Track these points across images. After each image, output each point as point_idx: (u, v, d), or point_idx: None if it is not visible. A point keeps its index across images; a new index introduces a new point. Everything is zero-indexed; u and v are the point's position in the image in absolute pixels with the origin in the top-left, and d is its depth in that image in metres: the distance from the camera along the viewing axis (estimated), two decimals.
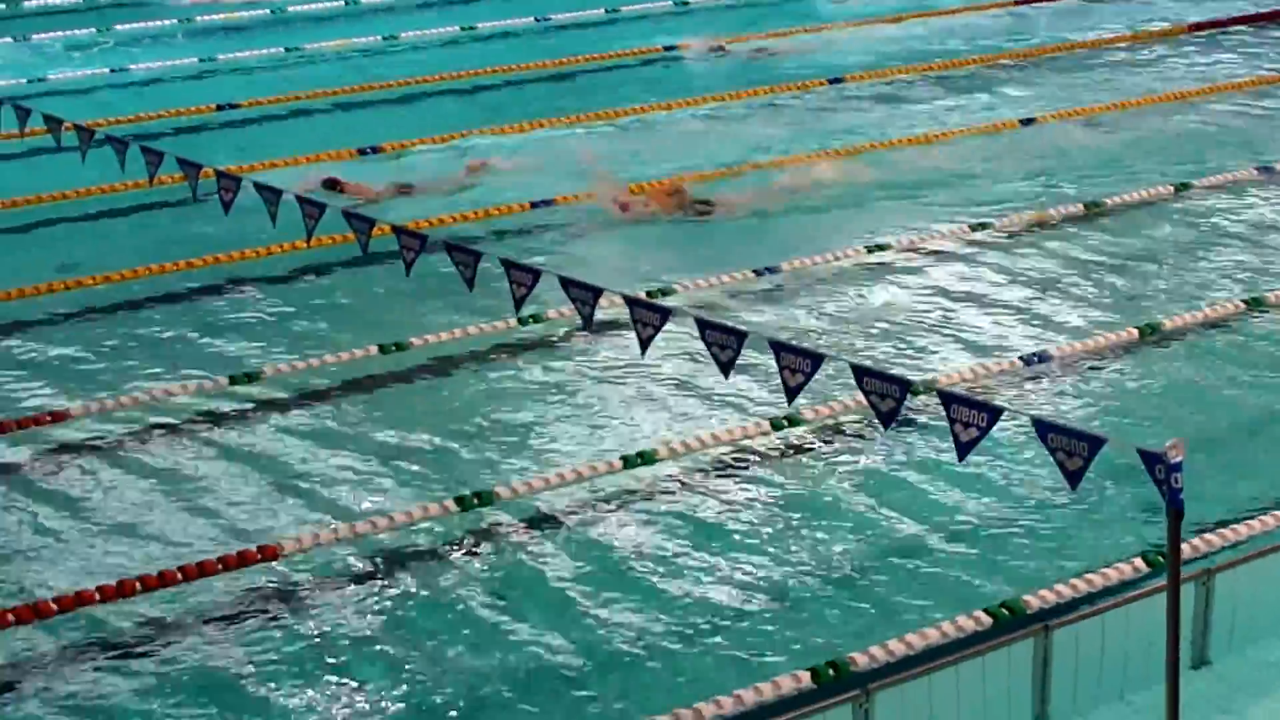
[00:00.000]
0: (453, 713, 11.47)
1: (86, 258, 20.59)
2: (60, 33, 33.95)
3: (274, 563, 13.27)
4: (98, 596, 12.74)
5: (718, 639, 12.21)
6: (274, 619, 12.66)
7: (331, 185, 22.44)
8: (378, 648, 12.22)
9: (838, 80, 28.97)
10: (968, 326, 17.86)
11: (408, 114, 27.92)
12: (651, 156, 24.51)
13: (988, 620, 11.87)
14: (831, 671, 11.32)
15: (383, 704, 11.58)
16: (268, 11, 36.05)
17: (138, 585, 12.83)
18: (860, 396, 10.76)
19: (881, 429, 11.65)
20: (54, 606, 12.59)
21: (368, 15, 35.89)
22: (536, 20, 34.62)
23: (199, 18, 35.23)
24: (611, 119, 26.97)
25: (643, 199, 22.19)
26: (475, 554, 13.54)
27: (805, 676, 11.28)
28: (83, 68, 31.53)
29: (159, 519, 14.27)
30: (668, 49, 32.00)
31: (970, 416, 9.67)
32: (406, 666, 11.99)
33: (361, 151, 24.91)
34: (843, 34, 32.80)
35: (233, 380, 16.63)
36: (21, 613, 12.50)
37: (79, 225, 22.36)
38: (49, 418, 15.86)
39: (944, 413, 9.82)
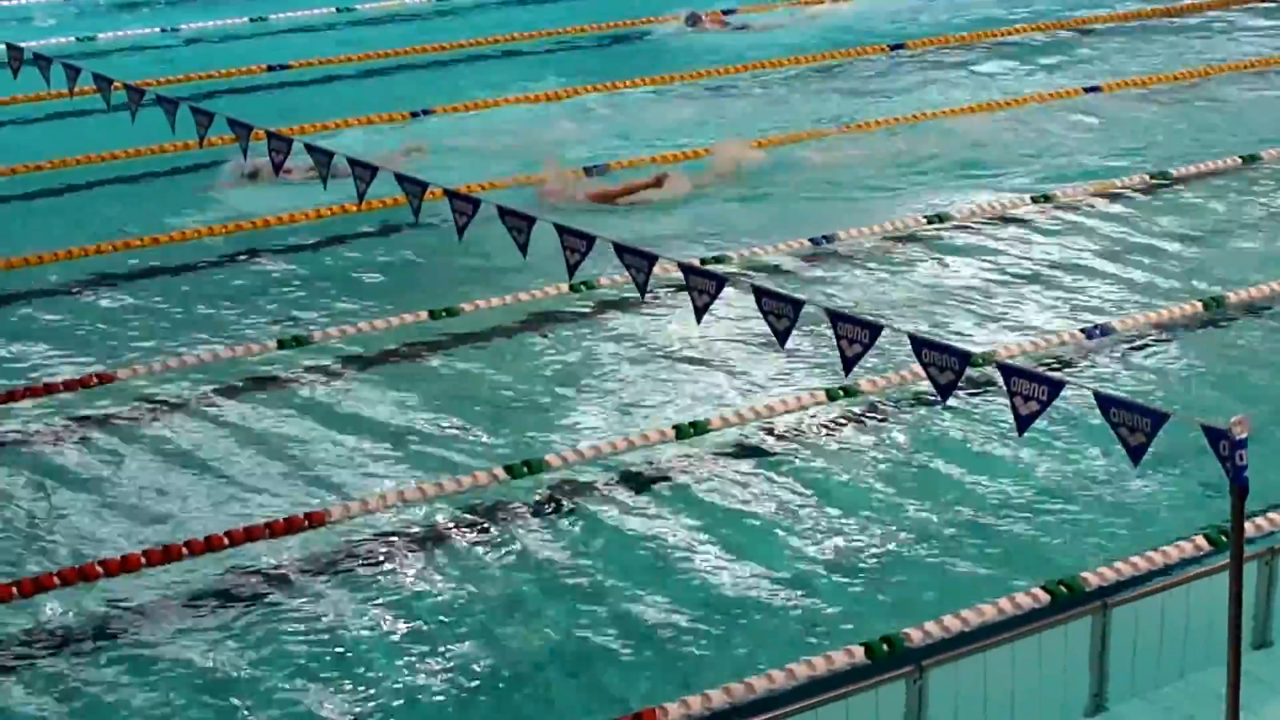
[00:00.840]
0: (491, 684, 11.52)
1: (135, 219, 20.71)
2: None
3: (321, 529, 13.34)
4: (144, 561, 12.85)
5: (770, 613, 12.22)
6: (317, 587, 12.75)
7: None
8: (420, 615, 12.29)
9: (899, 46, 28.91)
10: (1029, 298, 17.82)
11: (458, 76, 28.02)
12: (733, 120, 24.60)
13: (1045, 597, 11.85)
14: (886, 647, 11.33)
15: (428, 669, 11.66)
16: None
17: (184, 550, 12.94)
18: (918, 368, 10.74)
19: (940, 401, 11.62)
20: (99, 570, 12.71)
21: None
22: None
23: None
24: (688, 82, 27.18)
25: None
26: (524, 523, 13.58)
27: (859, 652, 11.29)
28: (132, 27, 31.68)
29: (204, 484, 14.37)
30: (727, 12, 32.03)
31: (1031, 389, 9.62)
32: (453, 633, 12.06)
33: (414, 114, 24.96)
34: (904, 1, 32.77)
35: (280, 344, 16.73)
36: (68, 575, 12.66)
37: (128, 186, 22.51)
38: (95, 380, 15.97)
39: (1004, 386, 9.79)
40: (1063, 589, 11.94)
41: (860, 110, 25.03)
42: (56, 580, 12.60)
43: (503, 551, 13.14)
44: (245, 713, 11.27)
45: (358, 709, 11.22)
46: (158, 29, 31.36)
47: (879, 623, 11.88)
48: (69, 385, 15.87)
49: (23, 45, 20.60)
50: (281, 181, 20.00)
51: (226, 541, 13.05)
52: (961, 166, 22.31)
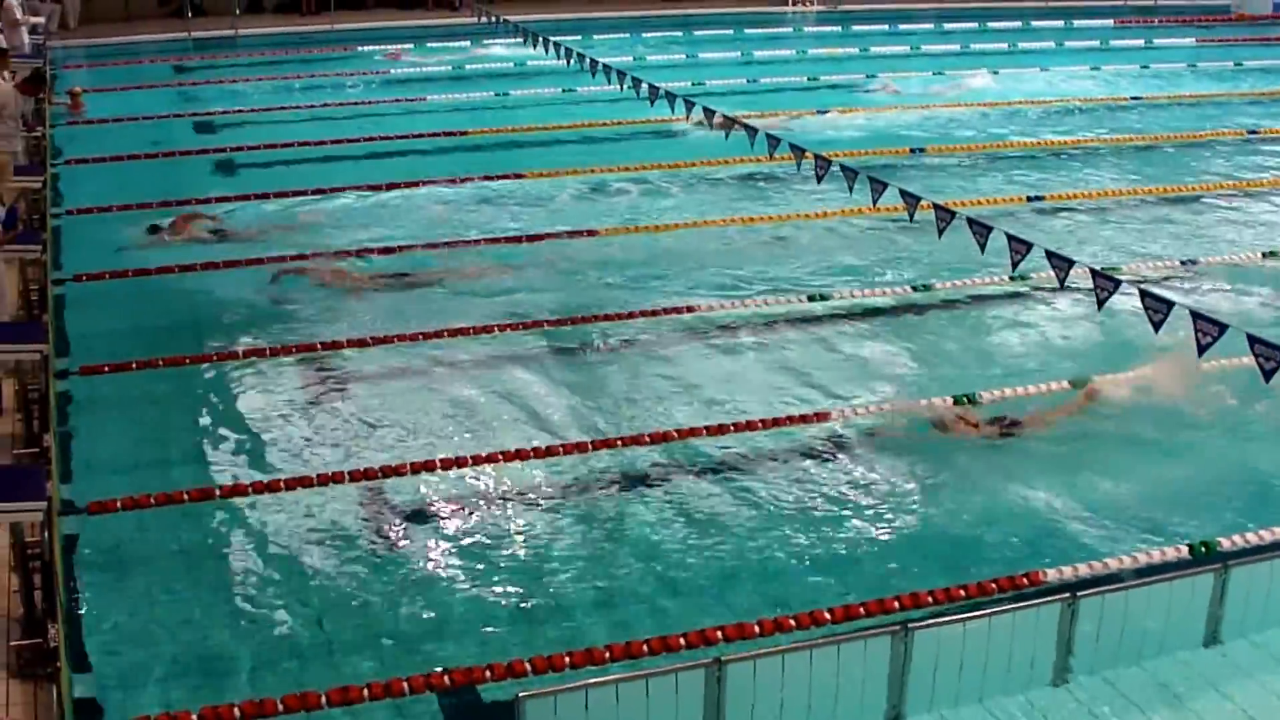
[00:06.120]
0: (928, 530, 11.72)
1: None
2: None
3: (823, 424, 13.70)
4: (678, 431, 13.32)
5: (1127, 518, 12.06)
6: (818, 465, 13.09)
7: None
8: (892, 489, 12.54)
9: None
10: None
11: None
12: None
13: None
14: (1204, 549, 11.21)
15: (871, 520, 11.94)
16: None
17: (744, 426, 13.44)
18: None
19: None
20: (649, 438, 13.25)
21: None
22: None
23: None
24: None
25: None
26: (958, 434, 13.63)
27: (1184, 550, 11.22)
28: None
29: (755, 383, 14.80)
30: None
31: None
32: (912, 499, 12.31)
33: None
34: None
35: (810, 298, 17.23)
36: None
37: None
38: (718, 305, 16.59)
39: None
40: None
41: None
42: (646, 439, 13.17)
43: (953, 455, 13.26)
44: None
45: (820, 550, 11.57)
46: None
47: (1199, 531, 11.70)
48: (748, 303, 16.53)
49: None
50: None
51: (760, 426, 13.48)
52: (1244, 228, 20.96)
